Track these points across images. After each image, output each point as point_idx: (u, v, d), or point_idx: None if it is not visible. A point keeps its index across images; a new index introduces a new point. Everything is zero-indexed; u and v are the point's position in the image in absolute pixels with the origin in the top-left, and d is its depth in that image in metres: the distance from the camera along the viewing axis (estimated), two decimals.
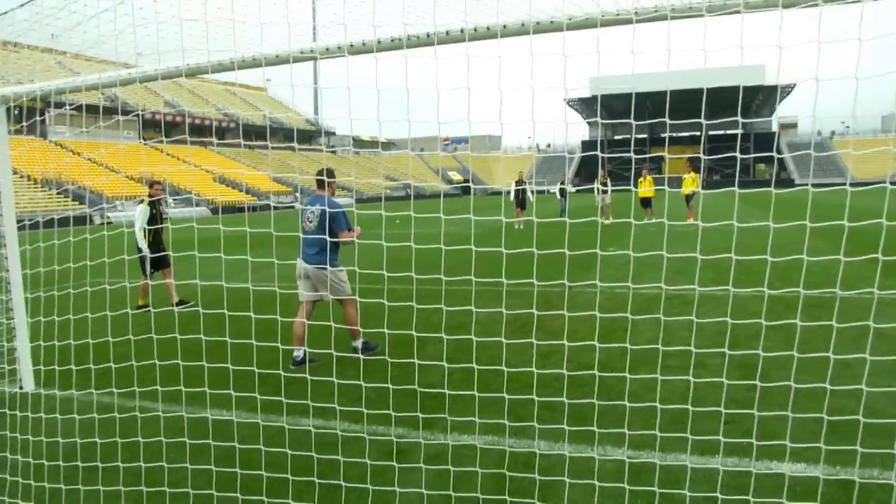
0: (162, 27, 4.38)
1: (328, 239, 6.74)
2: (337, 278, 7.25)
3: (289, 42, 4.52)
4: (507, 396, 4.46)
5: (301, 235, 7.30)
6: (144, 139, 58.91)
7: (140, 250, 10.61)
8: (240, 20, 4.10)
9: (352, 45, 4.43)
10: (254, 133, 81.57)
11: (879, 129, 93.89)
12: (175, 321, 4.54)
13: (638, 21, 3.89)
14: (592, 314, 8.52)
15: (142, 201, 10.99)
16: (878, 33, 3.60)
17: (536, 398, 4.42)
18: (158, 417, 4.81)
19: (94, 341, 5.21)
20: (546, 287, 10.24)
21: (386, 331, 4.74)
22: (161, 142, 60.51)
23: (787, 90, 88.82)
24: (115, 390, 5.28)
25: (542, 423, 4.68)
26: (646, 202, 23.77)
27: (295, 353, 7.13)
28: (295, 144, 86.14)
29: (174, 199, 50.77)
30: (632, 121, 3.73)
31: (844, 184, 4.55)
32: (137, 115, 61.29)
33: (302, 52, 4.57)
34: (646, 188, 23.39)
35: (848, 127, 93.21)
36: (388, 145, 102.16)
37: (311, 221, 7.29)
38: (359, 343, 7.31)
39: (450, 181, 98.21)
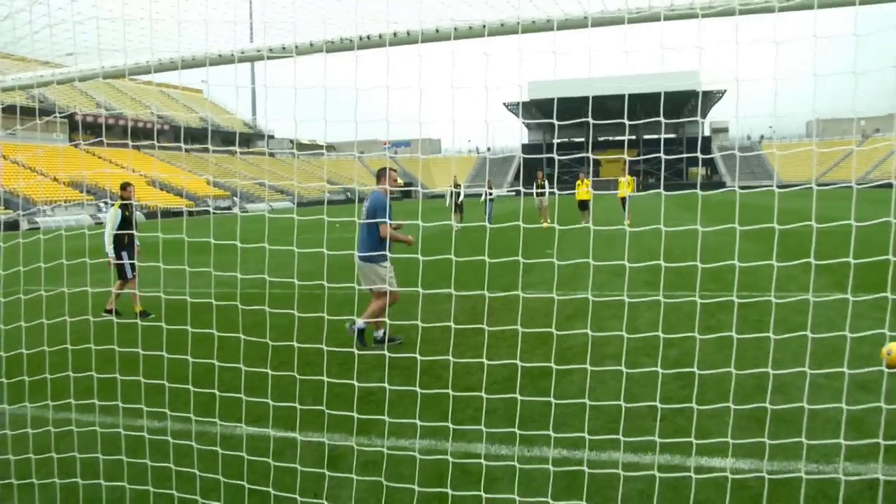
0: (102, 24, 4.22)
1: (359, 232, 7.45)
2: (373, 271, 7.57)
3: (234, 41, 4.39)
4: (452, 393, 4.43)
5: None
6: (73, 141, 56.88)
7: (109, 255, 10.22)
8: (183, 20, 3.99)
9: (297, 47, 4.35)
10: (189, 136, 79.75)
11: (804, 134, 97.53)
12: (114, 331, 4.37)
13: (594, 25, 3.95)
14: (530, 317, 8.60)
15: (113, 205, 10.62)
16: (790, 40, 3.72)
17: (486, 396, 4.41)
18: (95, 432, 4.63)
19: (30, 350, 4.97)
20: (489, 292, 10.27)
21: (324, 344, 4.66)
22: (97, 144, 58.51)
23: (718, 95, 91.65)
24: (50, 403, 5.05)
25: (477, 424, 4.66)
26: (583, 205, 24.14)
27: (375, 333, 7.89)
28: (236, 148, 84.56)
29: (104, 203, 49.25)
30: (554, 121, 3.76)
31: (772, 186, 4.69)
32: (67, 116, 59.15)
33: (244, 53, 4.45)
34: (583, 191, 23.74)
35: (774, 131, 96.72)
36: (330, 148, 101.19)
37: (362, 215, 7.81)
38: (379, 333, 7.84)
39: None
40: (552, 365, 4.46)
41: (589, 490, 3.94)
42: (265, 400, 4.31)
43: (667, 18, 3.90)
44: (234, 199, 58.28)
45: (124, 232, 10.17)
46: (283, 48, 4.42)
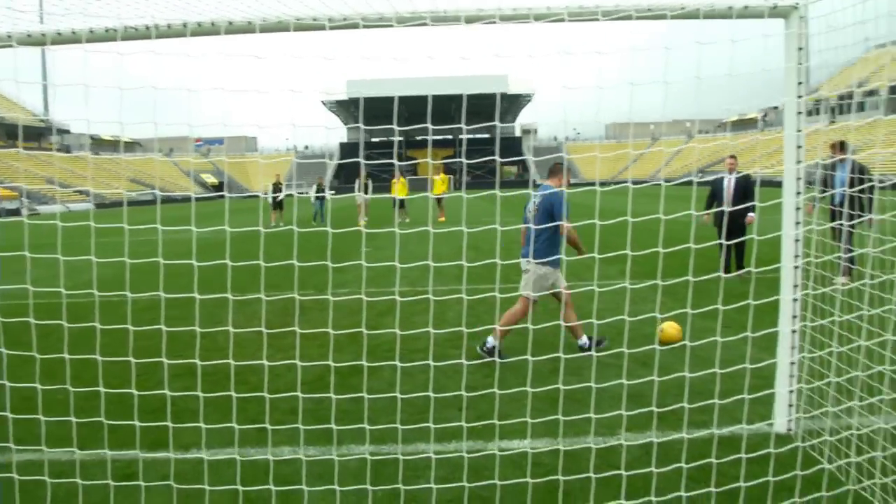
0: None
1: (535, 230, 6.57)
2: (548, 277, 6.97)
3: (12, 23, 3.97)
4: (269, 394, 4.32)
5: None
6: None
7: None
8: None
9: (92, 31, 4.02)
10: None
11: (605, 136, 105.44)
12: None
13: (399, 25, 4.01)
14: (342, 316, 8.60)
15: None
16: (583, 50, 4.03)
17: (305, 397, 4.34)
18: None
19: None
20: (300, 294, 10.13)
21: (131, 357, 4.38)
22: None
23: (527, 99, 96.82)
24: None
25: (281, 425, 4.61)
26: (400, 203, 24.49)
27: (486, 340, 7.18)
28: (20, 143, 76.65)
29: None
30: (361, 125, 3.81)
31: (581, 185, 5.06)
32: None
33: (30, 36, 4.05)
34: (399, 189, 24.05)
35: (579, 133, 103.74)
36: (133, 146, 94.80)
37: (530, 212, 7.01)
38: (584, 341, 7.21)
39: (203, 184, 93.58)
40: (363, 363, 4.51)
41: (394, 481, 4.03)
42: (67, 419, 3.99)
43: (468, 21, 4.07)
44: (23, 200, 52.85)
45: None
46: (74, 33, 4.09)
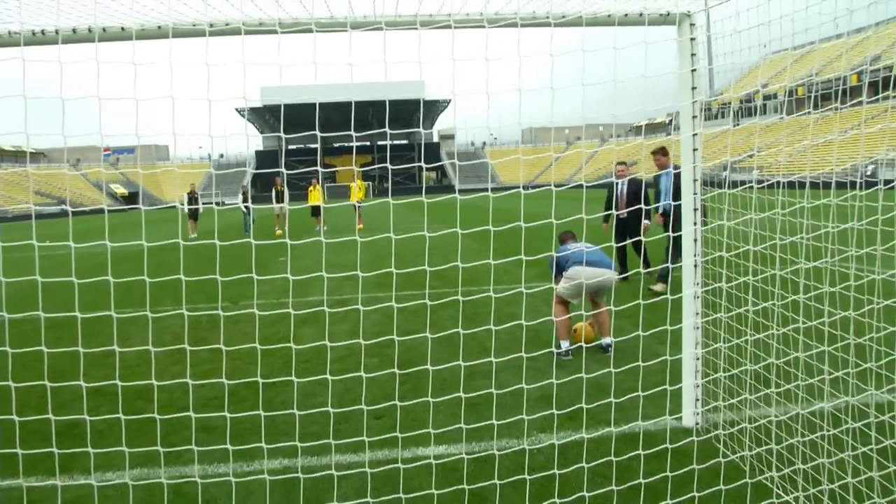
0: None
1: None
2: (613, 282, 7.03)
3: None
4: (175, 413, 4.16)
5: None
6: None
7: None
8: None
9: None
10: None
11: (521, 141, 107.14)
12: None
13: (318, 31, 3.95)
14: (258, 327, 8.41)
15: None
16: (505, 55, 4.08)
17: (194, 416, 4.19)
18: None
19: None
20: (207, 309, 9.87)
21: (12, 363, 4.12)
22: None
23: (444, 105, 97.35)
24: None
25: (199, 445, 4.46)
26: (315, 211, 24.19)
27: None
28: None
29: None
30: (282, 134, 3.73)
31: (487, 189, 5.10)
32: None
33: None
34: (315, 196, 23.73)
35: (496, 139, 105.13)
36: (38, 156, 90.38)
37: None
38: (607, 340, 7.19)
39: (113, 195, 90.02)
40: (261, 380, 4.41)
41: (307, 495, 3.95)
42: None
43: (389, 26, 4.05)
44: None
45: None
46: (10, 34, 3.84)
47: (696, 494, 3.75)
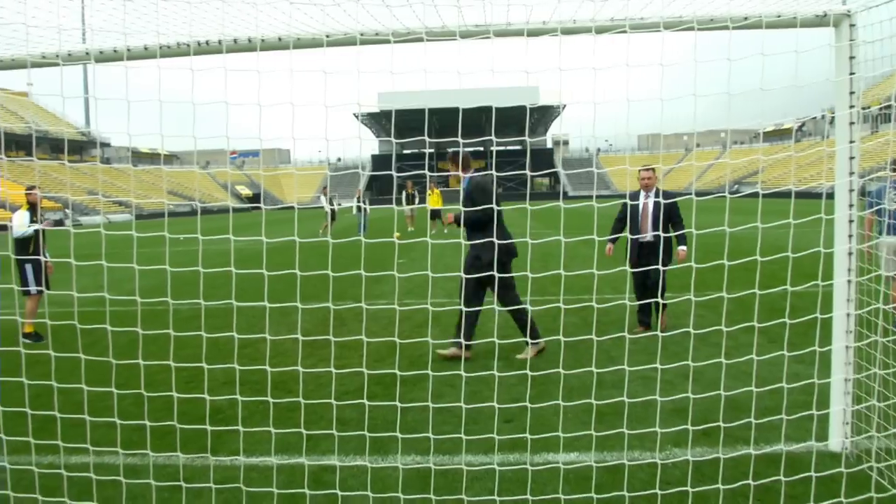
0: None
1: None
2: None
3: (59, 43, 4.08)
4: (306, 400, 4.35)
5: None
6: None
7: (22, 264, 9.18)
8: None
9: (130, 50, 4.12)
10: (13, 143, 73.01)
11: (637, 147, 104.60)
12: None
13: (429, 39, 4.05)
14: (381, 327, 8.61)
15: (21, 207, 9.51)
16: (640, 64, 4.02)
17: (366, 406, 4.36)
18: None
19: None
20: (339, 306, 10.21)
21: (172, 361, 4.43)
22: None
23: (558, 111, 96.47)
24: None
25: (331, 435, 4.62)
26: (434, 213, 24.57)
27: None
28: (65, 156, 78.31)
29: None
30: (392, 138, 3.84)
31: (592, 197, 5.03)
32: None
33: (71, 55, 4.16)
34: (434, 200, 24.17)
35: (611, 145, 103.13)
36: (171, 158, 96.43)
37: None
38: None
39: (238, 196, 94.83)
40: (397, 372, 4.53)
41: (438, 493, 4.02)
42: (112, 420, 4.07)
43: (497, 35, 4.10)
44: (67, 211, 54.00)
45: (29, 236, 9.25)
46: (115, 51, 4.19)
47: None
